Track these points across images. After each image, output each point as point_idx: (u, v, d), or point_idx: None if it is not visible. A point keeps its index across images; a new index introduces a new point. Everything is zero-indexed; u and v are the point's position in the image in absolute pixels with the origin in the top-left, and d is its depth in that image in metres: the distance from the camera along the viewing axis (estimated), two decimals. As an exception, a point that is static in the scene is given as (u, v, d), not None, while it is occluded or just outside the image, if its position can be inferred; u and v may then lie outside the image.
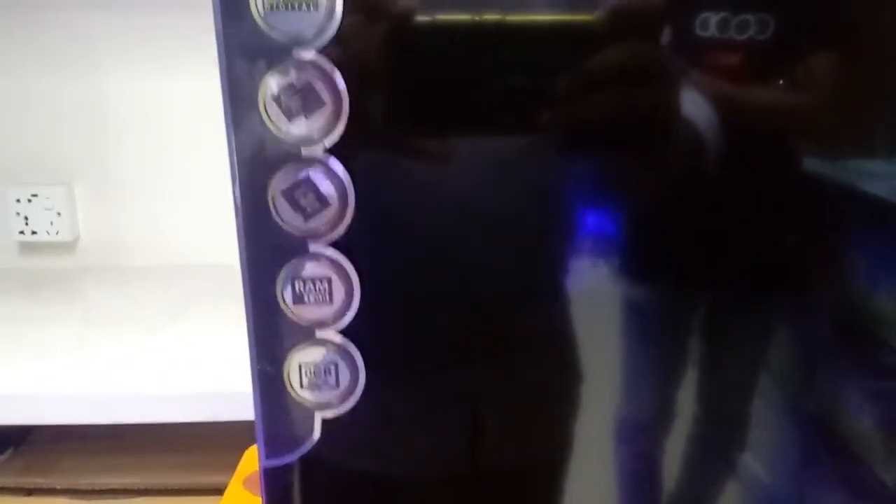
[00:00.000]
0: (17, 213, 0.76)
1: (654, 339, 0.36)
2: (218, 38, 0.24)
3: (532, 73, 0.29)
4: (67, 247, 0.78)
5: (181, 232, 0.78)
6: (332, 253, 0.27)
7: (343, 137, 0.25)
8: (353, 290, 0.28)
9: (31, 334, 0.64)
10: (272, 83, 0.24)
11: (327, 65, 0.24)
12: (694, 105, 0.30)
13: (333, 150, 0.25)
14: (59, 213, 0.76)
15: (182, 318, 0.67)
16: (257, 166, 0.25)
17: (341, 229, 0.27)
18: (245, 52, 0.24)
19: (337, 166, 0.25)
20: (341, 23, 0.24)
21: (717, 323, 0.36)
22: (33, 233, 0.77)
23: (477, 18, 0.27)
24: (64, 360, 0.60)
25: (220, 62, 0.24)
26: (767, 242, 0.34)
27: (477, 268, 0.32)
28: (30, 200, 0.76)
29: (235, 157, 0.25)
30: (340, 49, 0.24)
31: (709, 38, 0.29)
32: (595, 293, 0.34)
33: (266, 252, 0.27)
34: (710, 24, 0.29)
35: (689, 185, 0.33)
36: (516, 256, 0.33)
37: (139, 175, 0.77)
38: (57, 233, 0.77)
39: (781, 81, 0.31)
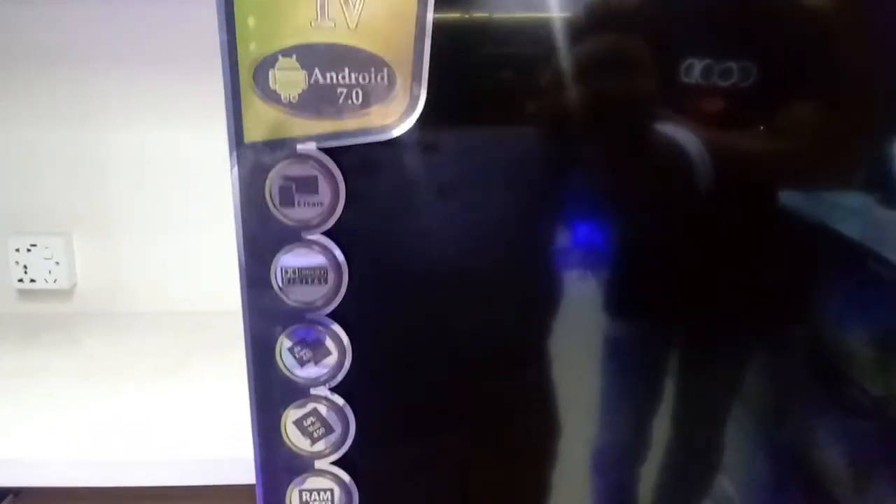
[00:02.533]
0: (17, 262, 0.79)
1: (631, 372, 0.37)
2: (243, 302, 0.28)
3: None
4: (65, 294, 0.82)
5: (179, 279, 0.82)
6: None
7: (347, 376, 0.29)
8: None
9: (30, 387, 0.65)
10: (286, 341, 0.28)
11: (335, 325, 0.28)
12: (684, 144, 0.31)
13: (337, 389, 0.29)
14: (57, 263, 0.80)
15: (181, 371, 0.69)
16: (273, 395, 0.29)
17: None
18: (265, 314, 0.28)
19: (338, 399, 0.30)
20: (346, 293, 0.28)
21: (693, 355, 0.37)
22: (32, 280, 0.80)
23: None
24: (61, 418, 0.60)
25: (244, 319, 0.28)
26: (744, 279, 0.35)
27: (465, 335, 0.32)
28: (29, 250, 0.79)
29: (254, 388, 0.29)
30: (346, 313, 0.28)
31: (692, 84, 0.30)
32: (576, 332, 0.34)
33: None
34: (694, 70, 0.30)
35: (669, 223, 0.33)
36: (504, 319, 0.33)
37: (138, 224, 0.81)
38: (55, 281, 0.80)
39: (762, 127, 0.32)
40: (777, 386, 0.38)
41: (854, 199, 0.35)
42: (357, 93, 0.26)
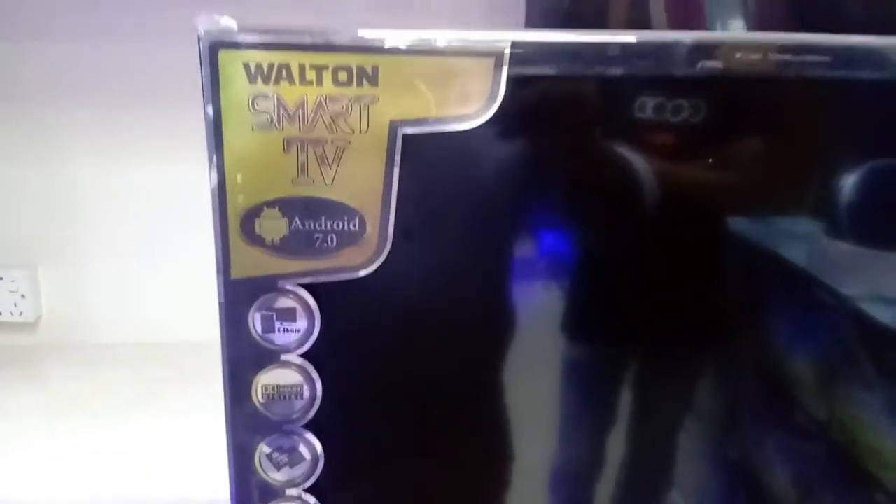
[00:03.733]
0: (-19, 295, 0.81)
1: (588, 391, 0.39)
2: (226, 415, 0.31)
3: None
4: (30, 327, 0.83)
5: (145, 310, 0.84)
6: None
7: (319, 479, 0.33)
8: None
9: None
10: (265, 448, 0.32)
11: (308, 434, 0.32)
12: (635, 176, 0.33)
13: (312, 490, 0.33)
14: (22, 296, 0.81)
15: (149, 406, 0.69)
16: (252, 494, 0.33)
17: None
18: (247, 425, 0.32)
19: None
20: (320, 406, 0.32)
21: (648, 374, 0.38)
22: (-3, 313, 0.82)
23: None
24: (26, 455, 0.61)
25: (227, 430, 0.32)
26: (696, 301, 0.37)
27: (425, 375, 0.34)
28: (-6, 283, 0.81)
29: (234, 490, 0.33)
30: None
31: (646, 119, 0.32)
32: (535, 354, 0.36)
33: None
34: (647, 107, 0.32)
35: (625, 249, 0.35)
36: (465, 355, 0.35)
37: (103, 256, 0.82)
38: (20, 314, 0.82)
39: (711, 159, 0.34)
40: (727, 404, 0.39)
41: (802, 227, 0.37)
42: (332, 237, 0.30)
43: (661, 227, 0.35)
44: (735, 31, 0.59)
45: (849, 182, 0.36)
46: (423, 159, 0.30)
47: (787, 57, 0.31)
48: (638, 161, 0.33)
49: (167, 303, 0.83)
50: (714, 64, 0.30)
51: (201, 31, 0.28)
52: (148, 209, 0.81)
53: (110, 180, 0.80)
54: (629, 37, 0.30)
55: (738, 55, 0.30)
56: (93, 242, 0.82)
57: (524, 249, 0.34)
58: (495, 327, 0.34)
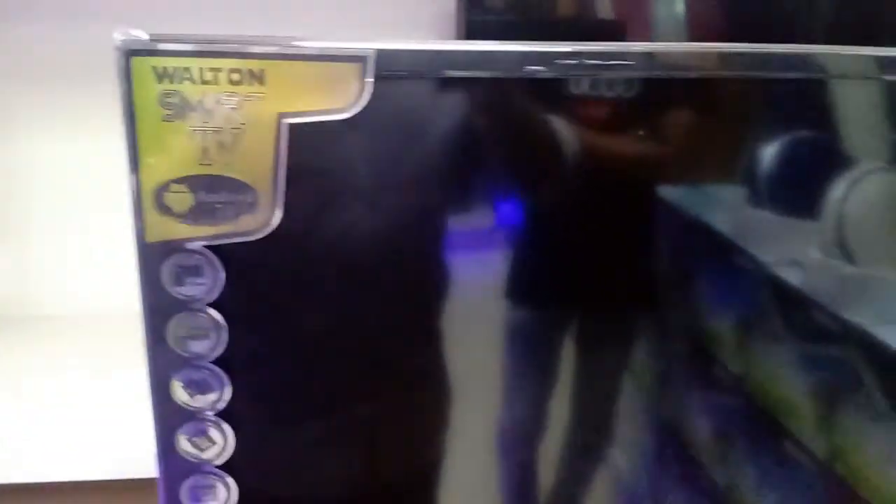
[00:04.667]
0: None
1: (531, 355, 0.41)
2: (147, 356, 0.38)
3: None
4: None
5: (88, 282, 0.87)
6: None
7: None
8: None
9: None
10: (180, 381, 0.39)
11: (216, 368, 0.39)
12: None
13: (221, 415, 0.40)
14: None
15: (97, 376, 0.71)
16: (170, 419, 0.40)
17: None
18: (163, 362, 0.39)
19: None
20: (226, 345, 0.39)
21: (587, 337, 0.41)
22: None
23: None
24: None
25: (148, 367, 0.39)
26: (631, 267, 0.40)
27: (362, 314, 0.38)
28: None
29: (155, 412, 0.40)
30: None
31: (581, 94, 0.36)
32: (476, 316, 0.39)
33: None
34: (582, 83, 0.36)
35: (564, 218, 0.39)
36: (402, 296, 0.38)
37: (45, 230, 0.85)
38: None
39: (642, 132, 0.38)
40: (660, 364, 0.42)
41: (726, 195, 0.40)
42: (230, 208, 0.37)
43: (598, 195, 0.38)
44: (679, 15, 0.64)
45: (768, 153, 0.40)
46: (306, 145, 0.37)
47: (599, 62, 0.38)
48: (572, 133, 0.37)
49: (107, 274, 0.87)
50: (538, 68, 0.38)
51: (118, 42, 0.34)
52: (87, 183, 0.84)
53: (49, 155, 0.83)
54: (469, 46, 0.37)
55: (556, 62, 0.38)
56: (34, 217, 0.85)
57: (395, 218, 0.40)
58: (370, 289, 0.40)
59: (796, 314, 0.44)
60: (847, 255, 0.43)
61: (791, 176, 0.41)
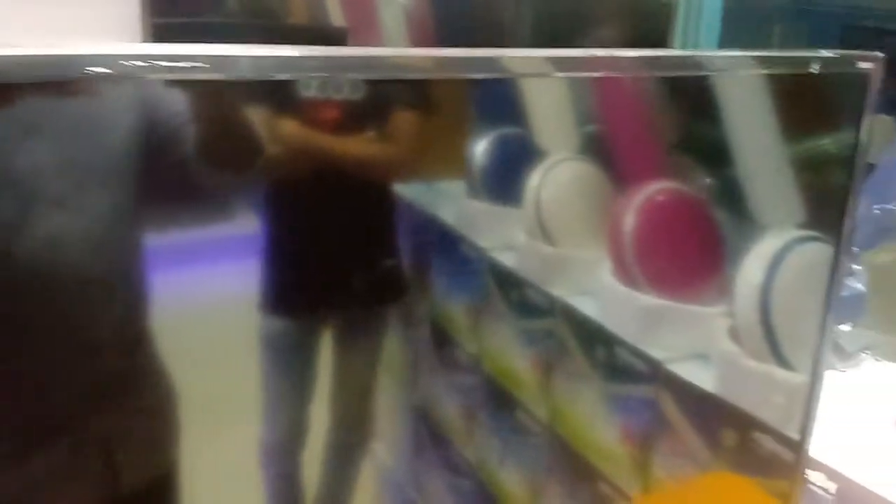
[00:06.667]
0: None
1: (286, 363, 0.40)
2: None
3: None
4: None
5: None
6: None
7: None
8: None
9: None
10: None
11: None
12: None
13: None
14: None
15: None
16: None
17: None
18: None
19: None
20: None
21: (339, 339, 0.41)
22: None
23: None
24: None
25: None
26: (372, 263, 0.41)
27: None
28: None
29: None
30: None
31: (311, 97, 0.35)
32: (227, 330, 0.37)
33: None
34: (311, 85, 0.35)
35: (298, 217, 0.38)
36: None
37: None
38: None
39: (372, 132, 0.38)
40: (408, 354, 0.44)
41: (449, 189, 0.42)
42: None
43: (334, 197, 0.39)
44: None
45: (480, 149, 0.43)
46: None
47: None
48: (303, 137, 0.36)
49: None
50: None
51: None
52: None
53: None
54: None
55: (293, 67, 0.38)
56: None
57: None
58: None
59: (513, 293, 0.50)
60: (546, 236, 0.50)
61: (499, 168, 0.46)
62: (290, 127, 0.36)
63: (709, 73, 0.51)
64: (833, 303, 0.61)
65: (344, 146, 0.38)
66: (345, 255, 0.41)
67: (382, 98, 0.39)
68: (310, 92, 0.36)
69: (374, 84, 0.39)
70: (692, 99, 0.51)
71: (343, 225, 0.41)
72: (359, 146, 0.39)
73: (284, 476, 0.42)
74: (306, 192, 0.39)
